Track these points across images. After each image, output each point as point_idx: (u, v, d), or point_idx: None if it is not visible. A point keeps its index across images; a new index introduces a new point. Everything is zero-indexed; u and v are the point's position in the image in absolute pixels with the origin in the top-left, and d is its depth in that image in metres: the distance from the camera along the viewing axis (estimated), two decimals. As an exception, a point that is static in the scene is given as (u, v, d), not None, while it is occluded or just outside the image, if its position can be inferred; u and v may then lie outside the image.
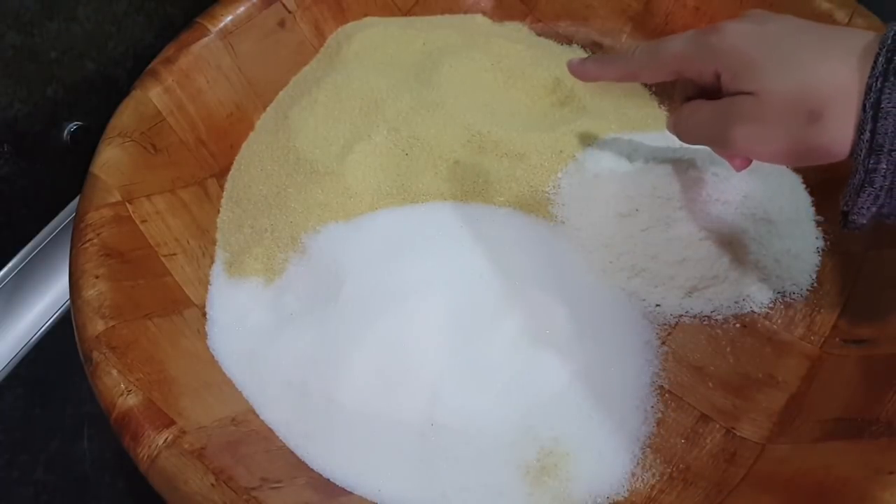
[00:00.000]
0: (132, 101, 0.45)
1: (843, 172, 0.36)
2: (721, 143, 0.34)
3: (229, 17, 0.49)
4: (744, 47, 0.32)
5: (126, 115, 0.45)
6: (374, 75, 0.49)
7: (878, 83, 0.28)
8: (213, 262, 0.45)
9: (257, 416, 0.38)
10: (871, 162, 0.29)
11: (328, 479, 0.36)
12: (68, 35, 0.47)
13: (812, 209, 0.45)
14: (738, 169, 0.38)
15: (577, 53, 0.56)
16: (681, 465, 0.37)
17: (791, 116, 0.30)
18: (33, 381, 0.46)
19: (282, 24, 0.52)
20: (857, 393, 0.37)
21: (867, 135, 0.29)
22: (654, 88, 0.53)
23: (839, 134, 0.30)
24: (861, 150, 0.29)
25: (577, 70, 0.40)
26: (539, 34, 0.57)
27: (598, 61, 0.40)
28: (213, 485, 0.33)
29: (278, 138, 0.48)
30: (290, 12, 0.52)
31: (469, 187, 0.45)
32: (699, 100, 0.35)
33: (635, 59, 0.37)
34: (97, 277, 0.38)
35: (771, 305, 0.42)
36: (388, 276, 0.40)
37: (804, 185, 0.45)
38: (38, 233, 0.49)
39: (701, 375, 0.40)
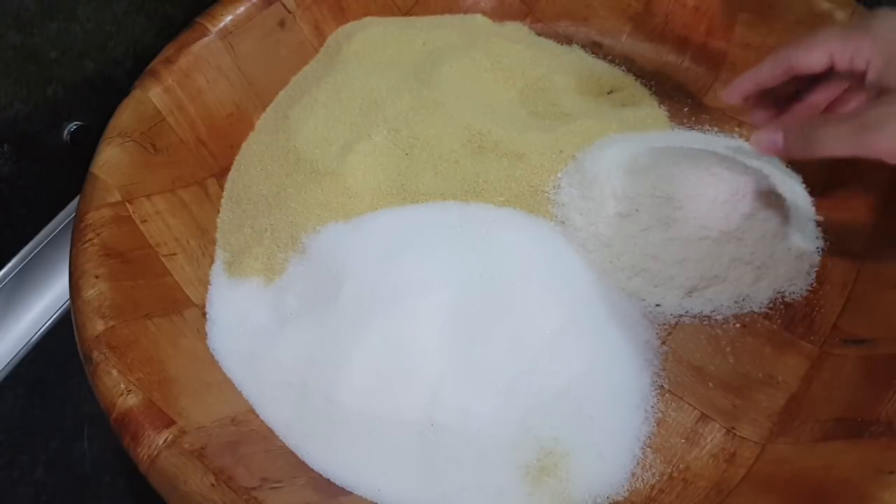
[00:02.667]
0: (132, 101, 0.45)
1: (844, 173, 0.36)
2: (865, 150, 0.33)
3: (229, 17, 0.49)
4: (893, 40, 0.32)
5: (126, 115, 0.45)
6: (374, 75, 0.49)
7: None
8: (213, 262, 0.45)
9: (257, 416, 0.38)
10: None
11: (328, 479, 0.36)
12: (68, 35, 0.47)
13: (812, 209, 0.45)
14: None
15: (577, 53, 0.56)
16: (681, 465, 0.37)
17: None
18: (33, 381, 0.46)
19: (282, 24, 0.52)
20: (857, 393, 0.37)
21: None
22: (654, 88, 0.53)
23: None
24: None
25: (735, 93, 0.40)
26: (539, 34, 0.57)
27: (745, 78, 0.39)
28: (213, 485, 0.33)
29: (278, 138, 0.48)
30: (290, 12, 0.52)
31: (469, 187, 0.45)
32: (817, 115, 0.36)
33: (789, 45, 0.36)
34: (97, 277, 0.38)
35: (771, 305, 0.42)
36: (388, 276, 0.40)
37: (804, 185, 0.45)
38: (38, 233, 0.49)
39: (701, 375, 0.40)
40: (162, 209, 0.44)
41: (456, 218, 0.43)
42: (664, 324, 0.42)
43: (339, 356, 0.38)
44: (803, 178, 0.45)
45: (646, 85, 0.53)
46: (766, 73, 0.37)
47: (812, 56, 0.35)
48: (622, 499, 0.36)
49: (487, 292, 0.40)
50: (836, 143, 0.33)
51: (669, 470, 0.37)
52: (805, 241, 0.43)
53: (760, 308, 0.42)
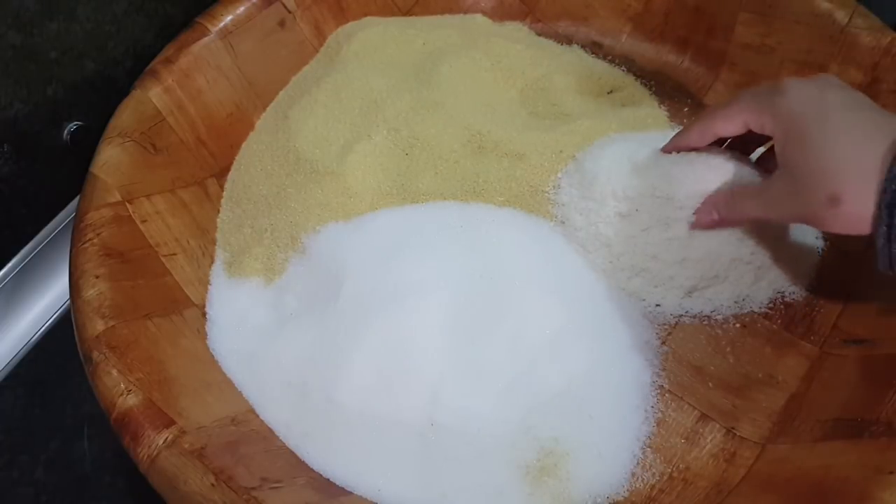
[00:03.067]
0: (132, 101, 0.45)
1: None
2: (775, 219, 0.38)
3: (229, 17, 0.49)
4: (797, 117, 0.34)
5: (126, 115, 0.45)
6: (374, 75, 0.49)
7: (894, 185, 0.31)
8: (213, 261, 0.45)
9: (257, 416, 0.38)
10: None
11: (328, 479, 0.36)
12: (68, 35, 0.47)
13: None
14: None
15: (577, 53, 0.56)
16: (681, 465, 0.37)
17: (813, 195, 0.33)
18: (33, 381, 0.46)
19: (282, 23, 0.52)
20: (857, 393, 0.37)
21: (883, 229, 0.31)
22: (654, 88, 0.53)
23: (856, 216, 0.32)
24: (880, 238, 0.32)
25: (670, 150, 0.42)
26: (539, 34, 0.57)
27: (677, 137, 0.42)
28: (213, 485, 0.33)
29: (278, 138, 0.48)
30: (290, 12, 0.52)
31: (469, 187, 0.45)
32: (738, 189, 0.38)
33: (709, 114, 0.39)
34: (97, 277, 0.38)
35: (771, 305, 0.42)
36: (388, 276, 0.40)
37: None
38: (38, 233, 0.49)
39: (701, 375, 0.40)
40: (162, 209, 0.44)
41: (456, 218, 0.43)
42: (664, 324, 0.42)
43: (339, 356, 0.38)
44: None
45: (646, 85, 0.53)
46: (696, 137, 0.40)
47: (730, 126, 0.38)
48: (622, 499, 0.36)
49: (487, 292, 0.40)
50: (754, 212, 0.37)
51: (669, 470, 0.37)
52: (805, 241, 0.43)
53: (760, 308, 0.42)
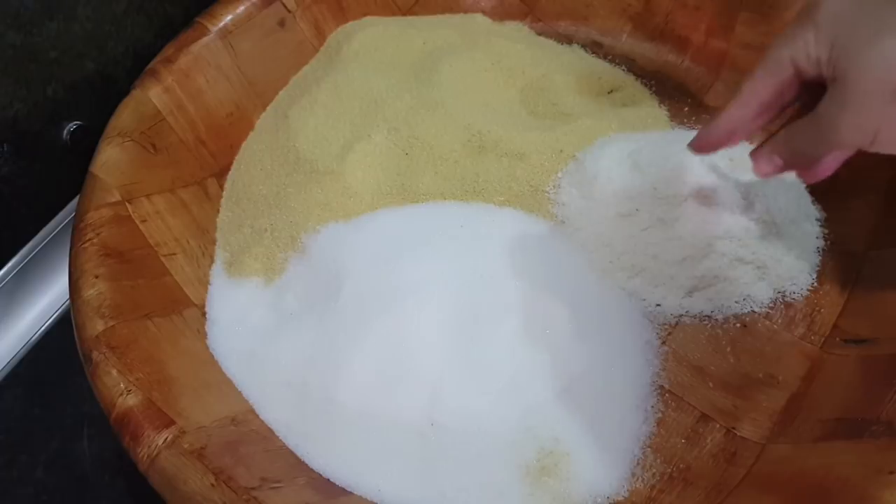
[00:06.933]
0: (132, 100, 0.45)
1: (844, 173, 0.36)
2: (833, 148, 0.33)
3: (229, 17, 0.49)
4: (840, 22, 0.31)
5: (126, 115, 0.45)
6: (374, 75, 0.49)
7: None
8: (212, 261, 0.45)
9: (257, 415, 0.38)
10: None
11: (328, 479, 0.36)
12: (68, 35, 0.47)
13: (812, 209, 0.45)
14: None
15: (578, 53, 0.56)
16: (681, 465, 0.37)
17: (876, 97, 0.29)
18: (33, 381, 0.46)
19: (282, 23, 0.52)
20: (858, 393, 0.37)
21: None
22: (654, 88, 0.53)
23: None
24: None
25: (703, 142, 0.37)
26: (539, 34, 0.57)
27: (712, 127, 0.36)
28: (212, 485, 0.33)
29: (278, 138, 0.48)
30: (289, 12, 0.52)
31: (469, 187, 0.45)
32: (790, 123, 0.34)
33: (743, 83, 0.34)
34: (97, 277, 0.38)
35: (771, 305, 0.42)
36: (388, 276, 0.40)
37: (804, 185, 0.45)
38: (37, 233, 0.49)
39: (701, 375, 0.40)
40: (162, 209, 0.44)
41: (456, 218, 0.43)
42: (664, 324, 0.42)
43: (339, 356, 0.38)
44: (803, 177, 0.45)
45: (646, 85, 0.53)
46: (738, 113, 0.35)
47: (775, 76, 0.33)
48: (622, 499, 0.36)
49: (488, 292, 0.40)
50: (813, 143, 0.33)
51: (669, 470, 0.37)
52: (805, 241, 0.43)
53: (761, 308, 0.42)
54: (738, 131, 0.36)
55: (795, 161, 0.34)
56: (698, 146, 0.37)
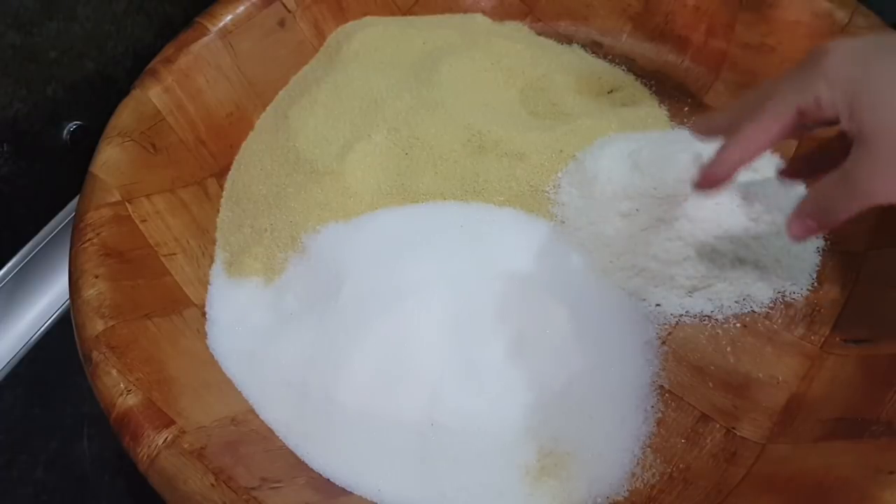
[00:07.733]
0: (132, 100, 0.45)
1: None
2: (863, 204, 0.32)
3: (229, 17, 0.49)
4: (856, 74, 0.30)
5: (126, 115, 0.45)
6: (374, 75, 0.49)
7: None
8: (212, 261, 0.45)
9: (257, 415, 0.38)
10: None
11: (328, 479, 0.36)
12: (68, 35, 0.47)
13: (812, 209, 0.45)
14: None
15: (578, 53, 0.56)
16: (681, 465, 0.37)
17: None
18: (33, 381, 0.46)
19: (281, 23, 0.52)
20: (858, 393, 0.37)
21: None
22: (654, 88, 0.53)
23: None
24: None
25: (708, 178, 0.36)
26: (539, 34, 0.57)
27: (714, 164, 0.35)
28: (212, 485, 0.33)
29: (278, 138, 0.48)
30: (289, 12, 0.52)
31: (469, 187, 0.45)
32: (817, 184, 0.33)
33: (745, 121, 0.34)
34: (97, 277, 0.38)
35: (771, 305, 0.42)
36: (388, 276, 0.40)
37: (804, 185, 0.45)
38: (38, 233, 0.49)
39: (701, 375, 0.40)
40: (162, 209, 0.44)
41: (456, 218, 0.43)
42: (664, 324, 0.42)
43: (339, 356, 0.38)
44: (803, 177, 0.45)
45: (646, 84, 0.53)
46: (740, 154, 0.34)
47: (781, 121, 0.33)
48: (622, 499, 0.36)
49: (487, 292, 0.40)
50: (845, 203, 0.32)
51: (669, 470, 0.37)
52: (805, 240, 0.43)
53: (761, 308, 0.42)
54: (739, 169, 0.36)
55: (828, 220, 0.34)
56: (703, 185, 0.37)
